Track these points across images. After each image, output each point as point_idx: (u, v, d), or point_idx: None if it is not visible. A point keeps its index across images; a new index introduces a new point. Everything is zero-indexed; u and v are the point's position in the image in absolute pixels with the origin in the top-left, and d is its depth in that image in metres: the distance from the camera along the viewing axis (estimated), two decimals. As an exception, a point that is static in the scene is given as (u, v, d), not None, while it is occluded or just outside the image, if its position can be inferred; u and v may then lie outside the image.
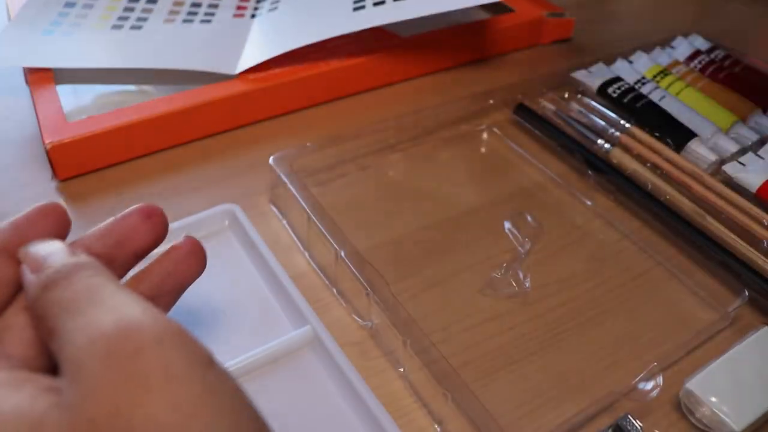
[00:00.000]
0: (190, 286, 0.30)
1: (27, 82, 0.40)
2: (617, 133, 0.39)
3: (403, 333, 0.26)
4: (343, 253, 0.29)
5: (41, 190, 0.35)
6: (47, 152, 0.34)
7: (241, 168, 0.37)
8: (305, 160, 0.35)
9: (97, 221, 0.33)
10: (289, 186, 0.32)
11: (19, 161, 0.37)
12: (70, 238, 0.32)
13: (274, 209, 0.34)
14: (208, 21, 0.45)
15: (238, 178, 0.36)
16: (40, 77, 0.39)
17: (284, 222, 0.34)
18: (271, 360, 0.27)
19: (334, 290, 0.30)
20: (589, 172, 0.36)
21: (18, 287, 0.20)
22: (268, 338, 0.27)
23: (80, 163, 0.36)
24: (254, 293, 0.30)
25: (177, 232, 0.32)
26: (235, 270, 0.31)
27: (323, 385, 0.26)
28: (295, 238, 0.33)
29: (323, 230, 0.30)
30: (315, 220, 0.30)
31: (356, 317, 0.29)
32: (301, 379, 0.26)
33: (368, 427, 0.24)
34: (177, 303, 0.29)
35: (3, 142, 0.39)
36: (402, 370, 0.27)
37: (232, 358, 0.26)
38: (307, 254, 0.32)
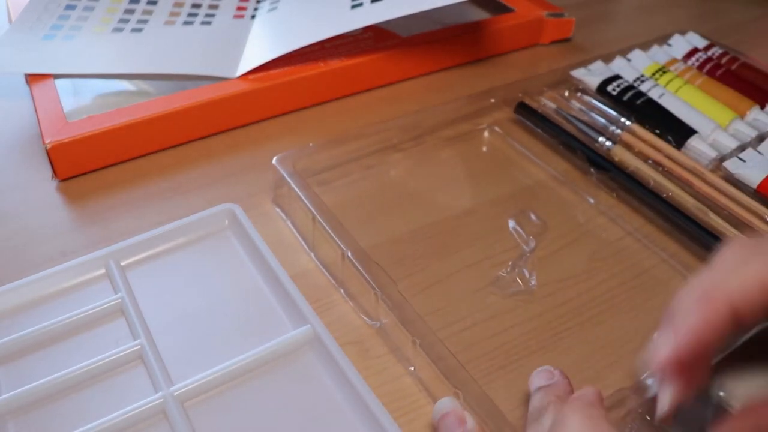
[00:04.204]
0: (191, 286, 0.30)
1: (27, 81, 0.40)
2: (618, 131, 0.39)
3: (412, 331, 0.26)
4: (349, 253, 0.29)
5: (41, 190, 0.35)
6: (47, 152, 0.34)
7: (243, 168, 0.37)
8: (308, 161, 0.35)
9: (97, 221, 0.33)
10: (293, 186, 0.32)
11: (18, 161, 0.37)
12: (70, 238, 0.32)
13: (278, 209, 0.34)
14: (209, 22, 0.45)
15: (239, 177, 0.36)
16: (40, 76, 0.39)
17: (288, 222, 0.34)
18: (271, 360, 0.27)
19: (341, 290, 0.30)
20: (591, 169, 0.36)
21: None
22: (268, 338, 0.27)
23: (80, 162, 0.36)
24: (254, 293, 0.29)
25: (177, 231, 0.32)
26: (235, 270, 0.31)
27: (323, 384, 0.26)
28: (300, 238, 0.33)
29: (329, 230, 0.30)
30: (320, 221, 0.30)
31: (364, 317, 0.29)
32: (301, 379, 0.26)
33: (368, 426, 0.24)
34: (177, 303, 0.29)
35: (2, 142, 0.39)
36: (413, 368, 0.27)
37: (232, 357, 0.26)
38: (312, 254, 0.32)
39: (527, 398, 0.25)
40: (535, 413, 0.22)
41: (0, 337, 0.27)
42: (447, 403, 0.24)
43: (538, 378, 0.24)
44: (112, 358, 0.26)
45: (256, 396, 0.25)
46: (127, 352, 0.26)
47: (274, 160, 0.33)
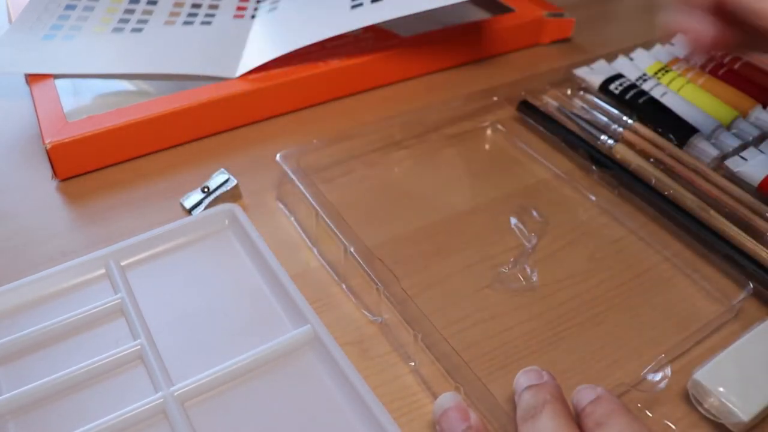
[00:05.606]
0: (191, 286, 0.30)
1: (27, 81, 0.40)
2: (620, 129, 0.39)
3: (414, 327, 0.26)
4: (352, 249, 0.29)
5: (41, 190, 0.35)
6: (47, 152, 0.34)
7: (244, 167, 0.37)
8: (312, 157, 0.35)
9: (97, 221, 0.33)
10: (297, 183, 0.32)
11: (18, 161, 0.37)
12: (70, 238, 0.32)
13: (282, 206, 0.34)
14: (209, 22, 0.45)
15: (241, 176, 0.36)
16: (40, 76, 0.39)
17: (292, 219, 0.33)
18: (271, 360, 0.26)
19: (343, 286, 0.30)
20: (593, 167, 0.36)
21: None
22: (268, 338, 0.27)
23: (80, 162, 0.36)
24: (254, 293, 0.29)
25: (177, 231, 0.32)
26: (235, 270, 0.31)
27: (323, 384, 0.26)
28: (303, 235, 0.33)
29: (332, 227, 0.30)
30: (323, 217, 0.30)
31: (366, 312, 0.29)
32: (301, 379, 0.26)
33: (368, 426, 0.24)
34: (177, 303, 0.29)
35: (2, 142, 0.39)
36: (413, 364, 0.27)
37: (232, 357, 0.26)
38: (315, 251, 0.32)
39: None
40: (530, 411, 0.22)
41: (0, 337, 0.27)
42: (449, 398, 0.23)
43: (526, 377, 0.24)
44: (112, 358, 0.26)
45: (256, 396, 0.25)
46: (127, 352, 0.26)
47: (277, 157, 0.33)
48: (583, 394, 0.23)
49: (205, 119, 0.39)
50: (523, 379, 0.24)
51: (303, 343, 0.27)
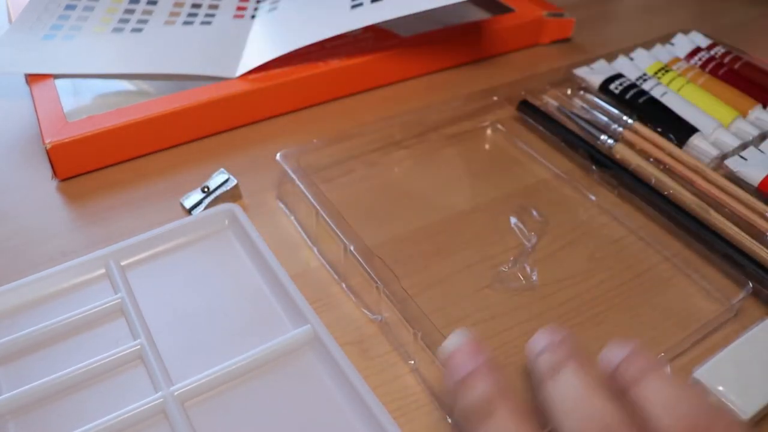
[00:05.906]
0: (191, 286, 0.30)
1: (27, 81, 0.40)
2: (620, 129, 0.39)
3: (414, 326, 0.26)
4: (352, 248, 0.29)
5: (41, 190, 0.35)
6: (47, 152, 0.34)
7: (244, 167, 0.37)
8: (312, 157, 0.35)
9: (97, 221, 0.33)
10: (297, 182, 0.32)
11: (18, 161, 0.37)
12: (70, 238, 0.32)
13: (282, 206, 0.34)
14: (209, 22, 0.45)
15: (242, 176, 0.36)
16: (40, 76, 0.39)
17: (292, 218, 0.34)
18: (271, 360, 0.26)
19: (343, 285, 0.30)
20: (593, 167, 0.36)
21: None
22: (268, 338, 0.27)
23: (80, 162, 0.36)
24: (254, 293, 0.29)
25: (177, 231, 0.32)
26: (235, 270, 0.31)
27: (323, 384, 0.26)
28: (304, 234, 0.33)
29: (332, 226, 0.30)
30: (324, 216, 0.30)
31: (366, 311, 0.29)
32: (301, 379, 0.26)
33: (368, 426, 0.24)
34: (177, 303, 0.29)
35: (2, 142, 0.39)
36: (413, 362, 0.27)
37: (232, 357, 0.26)
38: (315, 250, 0.32)
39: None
40: (548, 372, 0.20)
41: (0, 337, 0.27)
42: (457, 338, 0.20)
43: (542, 338, 0.21)
44: (112, 358, 0.26)
45: (256, 396, 0.25)
46: (127, 352, 0.26)
47: (277, 156, 0.33)
48: (615, 352, 0.21)
49: (205, 119, 0.39)
50: (539, 339, 0.21)
51: (303, 343, 0.27)
